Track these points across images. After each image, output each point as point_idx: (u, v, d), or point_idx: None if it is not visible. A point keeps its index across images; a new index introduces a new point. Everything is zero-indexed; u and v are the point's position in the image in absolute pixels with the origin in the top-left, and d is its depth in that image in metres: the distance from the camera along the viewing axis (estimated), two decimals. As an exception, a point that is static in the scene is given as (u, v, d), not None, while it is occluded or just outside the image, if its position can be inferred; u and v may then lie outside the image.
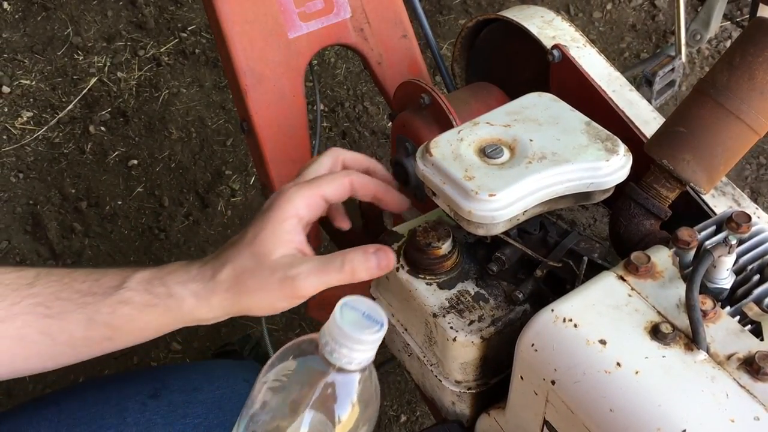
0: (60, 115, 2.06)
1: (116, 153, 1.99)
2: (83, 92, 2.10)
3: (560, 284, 0.75)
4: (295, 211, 0.70)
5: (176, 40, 2.22)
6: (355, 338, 0.50)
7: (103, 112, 2.06)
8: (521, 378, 0.65)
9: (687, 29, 1.89)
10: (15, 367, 0.70)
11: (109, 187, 1.92)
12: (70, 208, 1.88)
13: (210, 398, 0.88)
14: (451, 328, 0.72)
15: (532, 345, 0.63)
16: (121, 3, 2.29)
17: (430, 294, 0.74)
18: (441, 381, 0.76)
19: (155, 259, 1.79)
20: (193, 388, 0.89)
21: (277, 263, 0.68)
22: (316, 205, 0.72)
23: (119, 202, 1.89)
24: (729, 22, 2.24)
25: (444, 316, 0.72)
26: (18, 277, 0.69)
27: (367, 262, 0.69)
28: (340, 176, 0.74)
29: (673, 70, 1.85)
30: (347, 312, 0.51)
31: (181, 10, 2.30)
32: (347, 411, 0.52)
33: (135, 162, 1.97)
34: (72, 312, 0.67)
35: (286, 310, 0.70)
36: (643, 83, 1.85)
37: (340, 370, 0.51)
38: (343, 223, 0.80)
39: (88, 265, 1.77)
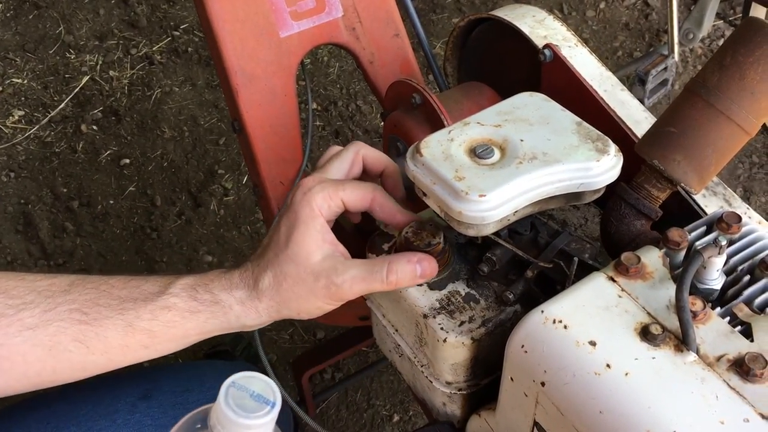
0: (52, 114, 2.05)
1: (108, 152, 1.98)
2: (75, 91, 2.09)
3: (551, 285, 0.74)
4: (319, 209, 0.70)
5: (169, 38, 2.21)
6: (242, 424, 0.45)
7: (95, 111, 2.05)
8: (511, 379, 0.65)
9: (680, 28, 1.90)
10: (42, 379, 0.68)
11: (101, 187, 1.91)
12: (61, 208, 1.87)
13: (201, 399, 0.87)
14: (442, 329, 0.71)
15: (522, 346, 0.63)
16: (113, 1, 2.28)
17: (420, 295, 0.74)
18: (432, 382, 0.76)
19: (147, 259, 1.79)
20: (184, 390, 0.89)
21: (320, 268, 0.68)
22: (336, 207, 0.72)
23: (111, 202, 1.89)
24: (722, 21, 2.24)
25: (434, 317, 0.72)
26: (51, 284, 0.68)
27: (412, 272, 0.70)
28: (366, 188, 0.73)
29: (666, 69, 1.85)
30: (234, 394, 0.46)
31: (174, 8, 2.29)
32: None
33: (127, 161, 1.96)
34: (110, 318, 0.66)
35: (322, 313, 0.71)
36: (636, 82, 1.85)
37: None
38: (355, 218, 0.80)
39: (79, 265, 1.77)
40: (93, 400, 0.86)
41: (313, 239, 0.69)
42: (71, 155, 1.97)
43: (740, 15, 2.13)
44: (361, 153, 0.77)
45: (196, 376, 0.91)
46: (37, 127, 2.02)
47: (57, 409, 0.85)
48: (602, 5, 2.32)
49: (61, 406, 0.85)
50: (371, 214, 0.76)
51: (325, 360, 1.40)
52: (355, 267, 0.69)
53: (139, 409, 0.86)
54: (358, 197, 0.73)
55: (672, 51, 1.87)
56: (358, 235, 1.27)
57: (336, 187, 0.72)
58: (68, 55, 2.16)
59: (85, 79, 2.11)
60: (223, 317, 0.69)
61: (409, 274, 0.70)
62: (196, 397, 0.88)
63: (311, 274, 0.68)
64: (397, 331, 0.79)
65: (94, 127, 2.03)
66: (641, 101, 1.84)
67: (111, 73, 2.13)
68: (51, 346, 0.66)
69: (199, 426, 0.50)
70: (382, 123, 1.07)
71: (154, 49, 2.19)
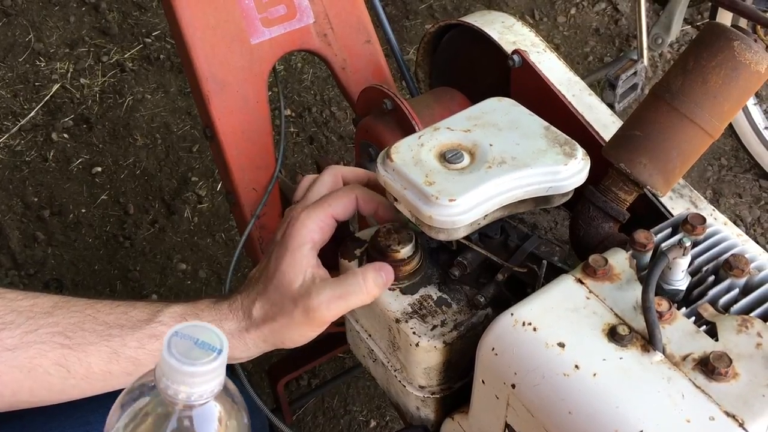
0: (22, 123, 2.02)
1: (80, 160, 1.96)
2: (45, 99, 2.07)
3: (522, 288, 0.75)
4: (310, 236, 0.71)
5: (140, 45, 2.20)
6: (186, 372, 0.43)
7: (66, 119, 2.03)
8: (483, 382, 0.66)
9: (649, 33, 1.92)
10: (17, 399, 0.67)
11: (72, 195, 1.89)
12: (32, 217, 1.85)
13: (180, 406, 0.87)
14: (414, 333, 0.72)
15: (493, 349, 0.63)
16: (84, 9, 2.26)
17: (392, 299, 0.74)
18: (405, 386, 0.76)
19: (120, 268, 1.77)
20: (161, 401, 0.88)
21: (297, 294, 0.68)
22: (327, 227, 0.73)
23: (83, 210, 1.87)
24: (690, 26, 2.28)
25: (407, 322, 0.72)
26: (33, 305, 0.66)
27: (380, 278, 0.70)
28: (345, 193, 0.73)
29: (635, 73, 1.88)
30: (177, 343, 0.44)
31: (146, 15, 2.27)
32: None
33: (99, 169, 1.94)
34: (95, 344, 0.65)
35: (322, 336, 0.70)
36: (606, 86, 1.88)
37: (187, 407, 0.45)
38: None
39: (51, 275, 1.75)
40: (67, 412, 0.85)
41: (297, 265, 0.69)
42: (42, 164, 1.95)
43: (708, 20, 2.17)
44: (339, 173, 0.78)
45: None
46: (7, 135, 2.00)
47: (30, 422, 0.83)
48: (573, 11, 2.34)
49: (34, 418, 0.84)
50: (361, 212, 0.76)
51: (301, 367, 1.40)
52: (328, 287, 0.69)
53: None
54: (345, 204, 0.73)
55: (641, 56, 1.89)
56: (332, 240, 1.27)
57: (320, 207, 0.72)
58: (38, 62, 2.14)
59: (56, 86, 2.09)
60: None
61: (379, 281, 0.70)
62: (172, 405, 0.87)
63: (291, 300, 0.68)
64: (370, 336, 0.80)
65: (65, 136, 2.01)
66: (612, 105, 1.87)
67: (82, 80, 2.11)
68: (30, 369, 0.65)
69: (138, 393, 0.48)
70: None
71: (125, 56, 2.17)
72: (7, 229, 1.82)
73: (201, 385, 0.44)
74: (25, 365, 0.64)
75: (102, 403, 0.86)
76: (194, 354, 0.44)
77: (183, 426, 0.46)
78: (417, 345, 0.71)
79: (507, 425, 0.65)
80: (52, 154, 1.97)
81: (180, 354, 0.44)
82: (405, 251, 0.74)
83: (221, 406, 0.47)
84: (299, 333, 0.70)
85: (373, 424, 1.56)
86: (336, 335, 1.37)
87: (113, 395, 0.86)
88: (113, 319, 0.67)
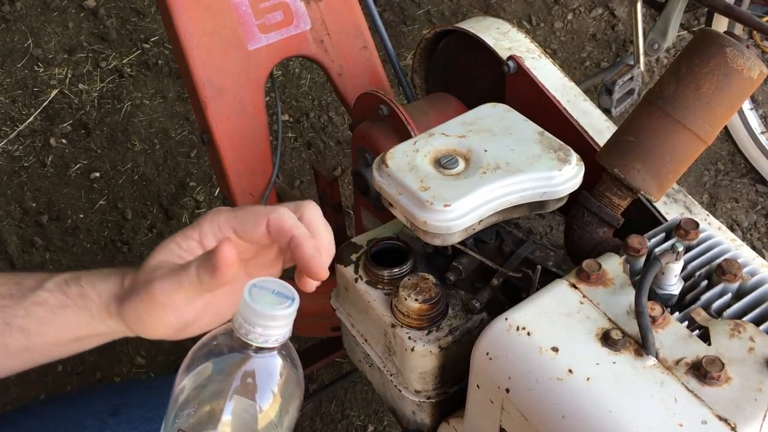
0: (20, 128, 2.03)
1: (78, 165, 1.96)
2: (44, 104, 2.07)
3: (516, 292, 0.75)
4: (199, 227, 0.63)
5: (139, 51, 2.20)
6: (268, 315, 0.50)
7: (65, 125, 2.03)
8: (477, 386, 0.66)
9: (645, 39, 1.93)
10: None
11: (70, 201, 1.90)
12: (30, 222, 1.85)
13: (173, 413, 0.87)
14: (410, 338, 0.72)
15: (487, 354, 0.64)
16: (82, 14, 2.26)
17: (388, 304, 0.74)
18: (401, 391, 0.76)
19: (118, 273, 1.77)
20: (155, 405, 0.88)
21: (146, 266, 0.62)
22: (219, 230, 0.63)
23: (81, 216, 1.87)
24: (686, 32, 2.29)
25: (402, 326, 0.73)
26: None
27: (207, 261, 0.58)
28: (260, 212, 0.62)
29: (632, 78, 1.88)
30: (257, 292, 0.51)
31: (144, 21, 2.28)
32: (271, 392, 0.52)
33: (97, 174, 1.94)
34: None
35: (161, 333, 0.62)
36: (603, 92, 1.88)
37: (259, 350, 0.51)
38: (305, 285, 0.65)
39: (50, 280, 1.75)
40: (62, 417, 0.85)
41: (164, 247, 0.62)
42: (40, 169, 1.95)
43: (704, 25, 2.18)
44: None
45: (168, 391, 0.91)
46: (5, 141, 2.00)
47: (25, 427, 0.84)
48: (570, 16, 2.35)
49: (29, 424, 0.84)
50: (276, 242, 0.63)
51: (299, 371, 1.40)
52: (166, 267, 0.61)
53: (109, 425, 0.85)
54: (252, 222, 0.62)
55: (638, 61, 1.90)
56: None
57: (229, 211, 0.63)
58: (37, 68, 2.14)
59: (54, 92, 2.09)
60: (89, 316, 0.63)
61: (205, 264, 0.58)
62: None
63: (141, 271, 0.61)
64: (366, 341, 0.80)
65: (64, 141, 2.01)
66: (609, 110, 1.87)
67: (80, 86, 2.12)
68: None
69: (215, 343, 0.53)
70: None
71: (124, 61, 2.18)
72: (5, 234, 1.82)
73: (276, 329, 0.50)
74: None
75: (98, 408, 0.86)
76: (273, 300, 0.50)
77: (246, 377, 0.51)
78: (412, 350, 0.71)
79: (501, 429, 0.65)
80: (50, 159, 1.97)
81: (259, 301, 0.50)
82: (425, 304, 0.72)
83: (282, 362, 0.52)
84: (136, 312, 0.61)
85: (370, 429, 1.56)
86: (333, 340, 1.38)
87: (108, 398, 0.87)
88: (6, 290, 0.64)
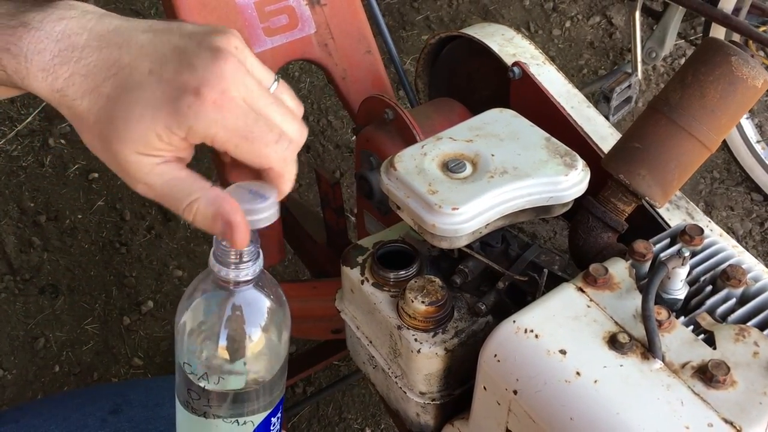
0: (19, 128, 2.02)
1: (76, 166, 1.96)
2: (43, 104, 2.07)
3: (522, 296, 0.76)
4: (189, 131, 0.50)
5: (138, 52, 2.20)
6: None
7: (63, 125, 2.03)
8: (484, 388, 0.67)
9: (643, 47, 1.95)
10: None
11: (68, 201, 1.89)
12: (28, 222, 1.85)
13: (172, 414, 0.87)
14: (416, 340, 0.72)
15: (495, 356, 0.64)
16: (81, 15, 2.26)
17: (394, 306, 0.75)
18: (406, 392, 0.77)
19: (116, 274, 1.77)
20: (155, 404, 0.89)
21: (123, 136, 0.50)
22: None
23: (79, 216, 1.87)
24: (683, 41, 2.31)
25: (408, 328, 0.73)
26: None
27: (211, 226, 0.52)
28: (261, 152, 0.53)
29: (629, 86, 1.90)
30: (235, 190, 0.54)
31: (144, 22, 2.28)
32: (257, 321, 0.57)
33: (95, 175, 1.94)
34: None
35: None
36: (600, 99, 1.89)
37: (237, 284, 0.55)
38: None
39: (46, 280, 1.75)
40: (62, 415, 0.85)
41: (144, 136, 0.51)
42: (38, 169, 1.95)
43: (701, 35, 2.20)
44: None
45: (168, 391, 0.91)
46: (4, 141, 2.00)
47: (25, 425, 0.84)
48: (568, 24, 2.37)
49: (29, 422, 0.84)
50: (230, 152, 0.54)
51: (297, 374, 1.40)
52: (168, 176, 0.52)
53: (110, 423, 0.85)
54: (250, 161, 0.54)
55: (635, 69, 1.92)
56: (331, 250, 1.28)
57: (235, 132, 0.52)
58: (36, 68, 2.14)
59: (53, 92, 2.09)
60: (14, 76, 0.53)
61: (207, 226, 0.53)
62: (168, 411, 0.87)
63: (118, 141, 0.51)
64: (371, 342, 0.80)
65: (62, 141, 2.01)
66: (606, 118, 1.89)
67: (79, 86, 2.12)
68: None
69: (204, 281, 0.56)
70: (354, 138, 1.08)
71: (123, 63, 2.18)
72: (3, 234, 1.82)
73: (245, 267, 0.54)
74: None
75: (99, 406, 0.86)
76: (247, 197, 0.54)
77: (235, 314, 0.56)
78: (418, 352, 0.72)
79: (508, 431, 0.66)
80: (48, 159, 1.97)
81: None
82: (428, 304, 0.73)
83: (268, 301, 0.57)
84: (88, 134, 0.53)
85: (368, 432, 1.57)
86: (331, 343, 1.39)
87: (109, 397, 0.87)
88: None
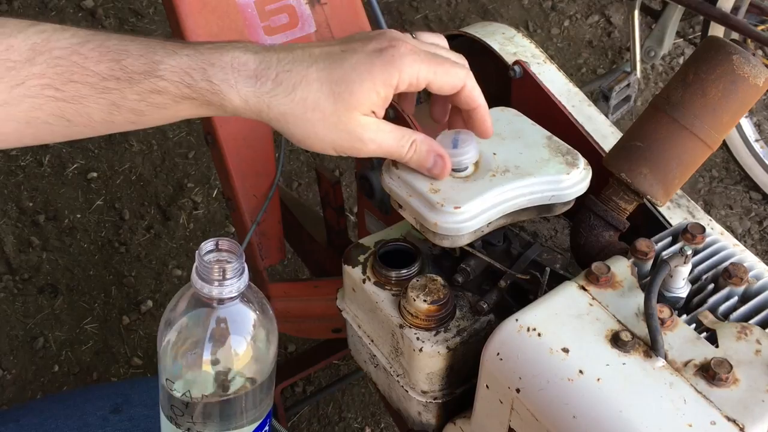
0: (17, 127, 2.02)
1: (75, 165, 1.96)
2: (41, 104, 2.06)
3: (523, 294, 0.76)
4: (399, 73, 0.64)
5: (137, 52, 2.20)
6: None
7: (62, 124, 2.03)
8: (486, 387, 0.67)
9: (642, 46, 1.95)
10: (24, 142, 0.64)
11: (67, 201, 1.89)
12: (27, 222, 1.85)
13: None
14: (418, 338, 0.72)
15: (497, 354, 0.64)
16: (80, 14, 2.26)
17: (396, 305, 0.75)
18: (407, 391, 0.77)
19: (115, 273, 1.77)
20: (156, 403, 0.89)
21: (358, 116, 0.63)
22: (417, 81, 0.66)
23: (78, 216, 1.87)
24: (682, 40, 2.31)
25: (410, 327, 0.73)
26: (7, 51, 0.59)
27: (425, 161, 0.69)
28: (457, 76, 0.67)
29: (628, 85, 1.90)
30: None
31: (142, 21, 2.28)
32: (243, 336, 0.57)
33: (94, 174, 1.94)
34: (91, 96, 0.61)
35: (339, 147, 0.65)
36: (600, 98, 1.90)
37: (220, 301, 0.56)
38: (410, 107, 0.77)
39: (45, 280, 1.74)
40: (63, 414, 0.85)
41: (369, 97, 0.62)
42: (37, 169, 1.95)
43: (699, 34, 2.20)
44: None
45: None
46: (2, 140, 2.00)
47: (26, 424, 0.84)
48: (566, 23, 2.37)
49: (30, 421, 0.84)
50: (455, 103, 0.70)
51: (297, 373, 1.40)
52: (388, 128, 0.65)
53: (111, 422, 0.85)
54: (448, 86, 0.67)
55: (634, 68, 1.92)
56: (330, 247, 1.28)
57: (430, 63, 0.64)
58: (34, 67, 2.14)
59: (52, 92, 2.09)
60: (219, 109, 0.63)
61: (422, 161, 0.68)
62: (168, 410, 0.88)
63: (347, 111, 0.62)
64: (372, 341, 0.80)
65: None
66: (606, 117, 1.89)
67: (78, 86, 2.11)
68: (28, 120, 0.61)
69: (187, 299, 0.57)
70: (355, 137, 1.08)
71: (122, 62, 2.17)
72: (1, 233, 1.82)
73: (229, 284, 0.55)
74: (22, 118, 0.61)
75: (100, 405, 0.86)
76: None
77: (219, 327, 0.56)
78: (420, 350, 0.72)
79: (510, 429, 0.66)
80: (47, 159, 1.96)
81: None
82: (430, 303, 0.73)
83: (254, 315, 0.57)
84: (328, 140, 0.64)
85: (368, 431, 1.57)
86: (332, 342, 1.39)
87: (110, 396, 0.87)
88: (105, 69, 0.61)
